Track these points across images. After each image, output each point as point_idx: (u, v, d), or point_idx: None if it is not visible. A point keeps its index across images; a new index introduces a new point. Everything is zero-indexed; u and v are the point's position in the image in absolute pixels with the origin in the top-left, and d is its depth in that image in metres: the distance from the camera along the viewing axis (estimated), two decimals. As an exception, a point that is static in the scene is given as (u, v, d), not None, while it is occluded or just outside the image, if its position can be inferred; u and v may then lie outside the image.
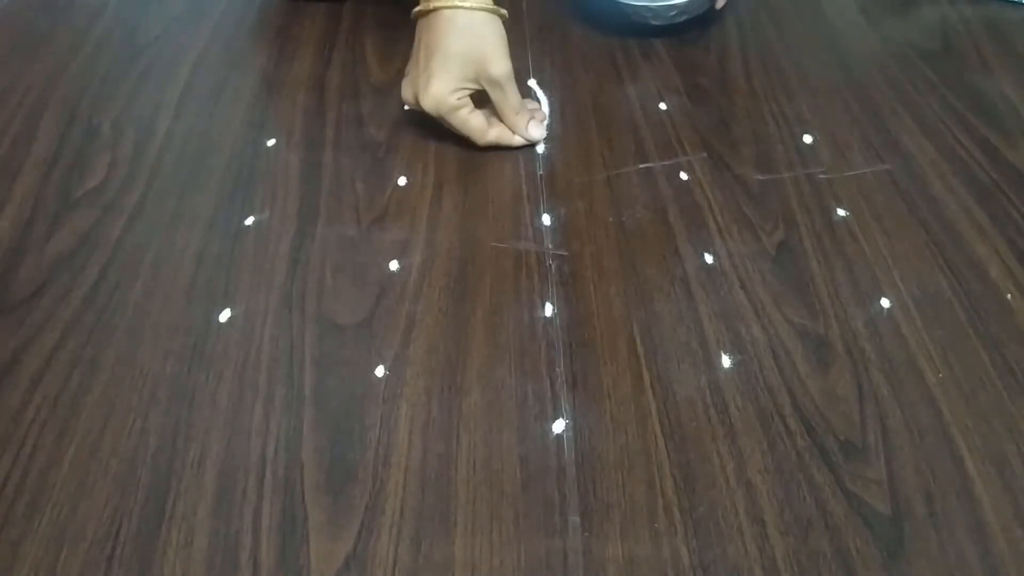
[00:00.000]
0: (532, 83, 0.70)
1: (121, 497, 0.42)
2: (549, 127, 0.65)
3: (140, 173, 0.61)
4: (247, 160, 0.62)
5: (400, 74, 0.70)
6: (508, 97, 0.59)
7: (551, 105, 0.68)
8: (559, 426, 0.45)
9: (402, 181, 0.60)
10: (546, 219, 0.58)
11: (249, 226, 0.57)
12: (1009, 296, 0.52)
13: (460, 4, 0.55)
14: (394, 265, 0.54)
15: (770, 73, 0.72)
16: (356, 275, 0.54)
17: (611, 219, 0.58)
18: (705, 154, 0.63)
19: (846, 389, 0.47)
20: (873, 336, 0.50)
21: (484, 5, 0.56)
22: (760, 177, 0.61)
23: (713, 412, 0.46)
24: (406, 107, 0.61)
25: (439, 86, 0.57)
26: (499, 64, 0.57)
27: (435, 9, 0.56)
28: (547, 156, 0.63)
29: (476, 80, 0.58)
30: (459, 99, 0.58)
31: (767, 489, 0.43)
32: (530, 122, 0.61)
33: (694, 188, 0.60)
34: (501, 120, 0.61)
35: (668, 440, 0.45)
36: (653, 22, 0.73)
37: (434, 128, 0.65)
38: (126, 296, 0.52)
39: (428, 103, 0.58)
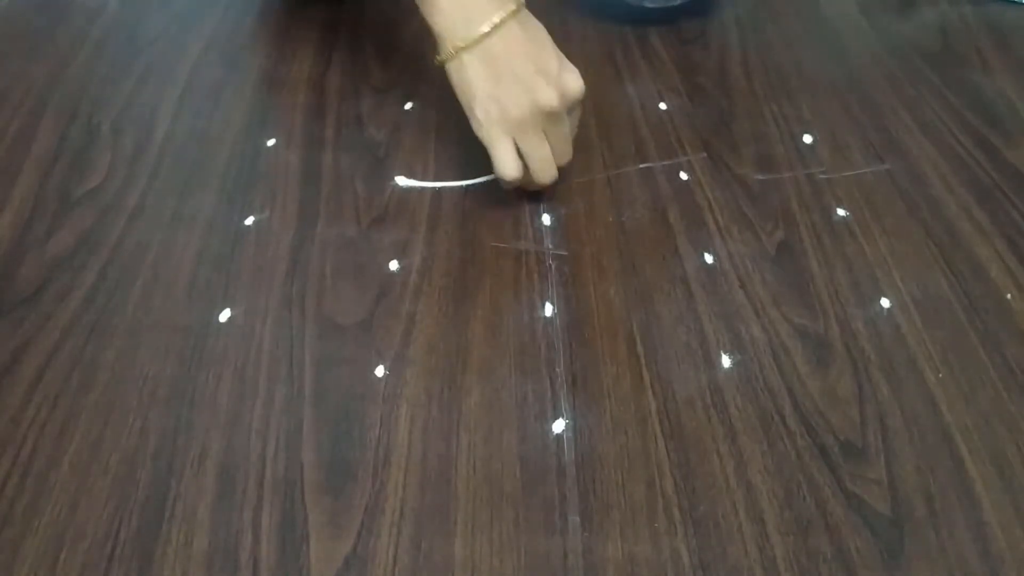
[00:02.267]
0: (532, 83, 0.70)
1: (121, 497, 0.42)
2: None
3: (140, 173, 0.61)
4: (247, 160, 0.62)
5: (400, 74, 0.71)
6: None
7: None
8: (559, 426, 0.45)
9: (402, 181, 0.60)
10: (546, 219, 0.58)
11: (249, 226, 0.57)
12: (1009, 296, 0.52)
13: (486, 29, 0.52)
14: (394, 265, 0.54)
15: (770, 73, 0.72)
16: (356, 275, 0.54)
17: (611, 219, 0.58)
18: (705, 154, 0.63)
19: (846, 389, 0.47)
20: (873, 336, 0.50)
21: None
22: (760, 177, 0.61)
23: (713, 412, 0.46)
24: (516, 110, 0.53)
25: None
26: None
27: (485, 35, 0.52)
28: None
29: None
30: None
31: (767, 489, 0.43)
32: None
33: (694, 188, 0.60)
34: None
35: (668, 440, 0.45)
36: (648, 4, 0.74)
37: (434, 128, 0.65)
38: (126, 296, 0.52)
39: (578, 84, 0.54)
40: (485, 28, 0.52)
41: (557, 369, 0.48)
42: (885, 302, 0.52)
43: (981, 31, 0.77)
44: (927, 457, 0.44)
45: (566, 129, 0.55)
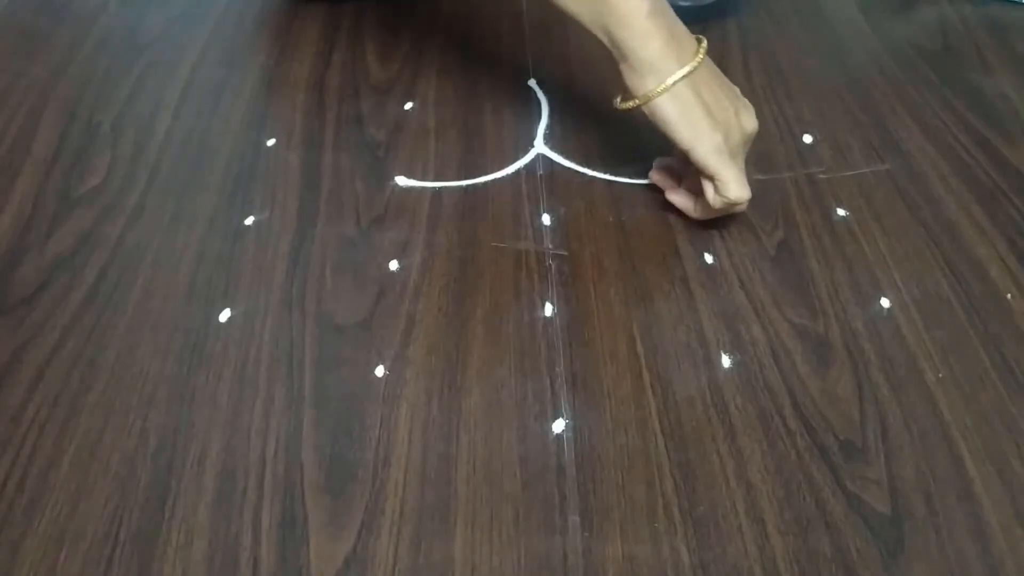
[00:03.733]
0: (532, 83, 0.70)
1: (121, 497, 0.42)
2: (549, 127, 0.65)
3: (140, 173, 0.61)
4: (247, 160, 0.62)
5: (400, 74, 0.71)
6: None
7: (551, 105, 0.68)
8: (559, 426, 0.45)
9: (402, 181, 0.60)
10: (546, 219, 0.58)
11: (249, 226, 0.57)
12: (1009, 296, 0.52)
13: (700, 57, 0.51)
14: (394, 265, 0.54)
15: (770, 73, 0.72)
16: (356, 275, 0.54)
17: (611, 219, 0.58)
18: (705, 154, 0.63)
19: (846, 389, 0.47)
20: (873, 336, 0.50)
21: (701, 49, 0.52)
22: (760, 177, 0.61)
23: (713, 412, 0.46)
24: (714, 152, 0.51)
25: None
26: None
27: (698, 65, 0.51)
28: (547, 156, 0.63)
29: None
30: None
31: (767, 489, 0.43)
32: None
33: (694, 188, 0.60)
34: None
35: (668, 440, 0.45)
36: (681, 3, 0.74)
37: (434, 128, 0.65)
38: (126, 296, 0.52)
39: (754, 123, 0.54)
40: (699, 57, 0.51)
41: (557, 369, 0.48)
42: (885, 302, 0.52)
43: (981, 31, 0.77)
44: (927, 457, 0.44)
45: None
